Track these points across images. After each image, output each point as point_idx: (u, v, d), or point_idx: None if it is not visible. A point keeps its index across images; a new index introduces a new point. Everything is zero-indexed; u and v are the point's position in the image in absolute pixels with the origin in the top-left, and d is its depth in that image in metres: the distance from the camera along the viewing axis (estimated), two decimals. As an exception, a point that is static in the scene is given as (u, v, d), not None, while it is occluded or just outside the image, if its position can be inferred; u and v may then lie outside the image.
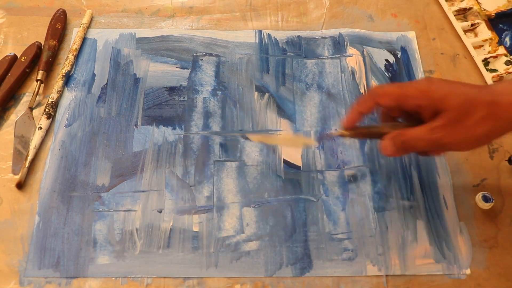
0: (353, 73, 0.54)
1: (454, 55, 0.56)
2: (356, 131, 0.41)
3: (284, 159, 0.48)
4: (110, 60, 0.53)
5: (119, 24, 0.57)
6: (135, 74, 0.53)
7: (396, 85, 0.40)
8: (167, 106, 0.51)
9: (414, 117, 0.38)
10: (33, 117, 0.49)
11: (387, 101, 0.38)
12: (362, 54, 0.55)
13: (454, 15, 0.58)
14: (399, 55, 0.56)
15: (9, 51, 0.53)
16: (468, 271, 0.43)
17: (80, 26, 0.55)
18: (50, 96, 0.50)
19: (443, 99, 0.36)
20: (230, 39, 0.56)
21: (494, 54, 0.55)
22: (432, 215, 0.46)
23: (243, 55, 0.55)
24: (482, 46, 0.57)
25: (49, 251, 0.42)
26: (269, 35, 0.56)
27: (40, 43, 0.53)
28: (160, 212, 0.45)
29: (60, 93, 0.51)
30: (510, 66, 0.54)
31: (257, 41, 0.56)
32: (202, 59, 0.54)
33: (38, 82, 0.50)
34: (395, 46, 0.56)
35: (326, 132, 0.49)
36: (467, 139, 0.36)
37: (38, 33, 0.55)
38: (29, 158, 0.46)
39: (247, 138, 0.49)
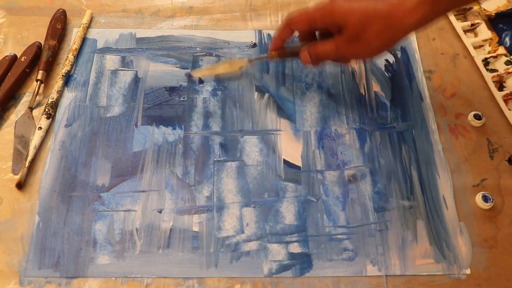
0: (353, 73, 0.54)
1: (454, 55, 0.56)
2: (281, 51, 0.48)
3: (284, 159, 0.48)
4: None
5: (119, 24, 0.57)
6: (135, 74, 0.53)
7: (306, 10, 0.44)
8: (167, 106, 0.51)
9: (328, 35, 0.44)
10: (33, 117, 0.49)
11: (300, 26, 0.45)
12: (362, 54, 0.55)
13: (454, 15, 0.58)
14: (399, 55, 0.56)
15: (9, 51, 0.53)
16: (468, 271, 0.43)
17: (80, 26, 0.55)
18: (50, 96, 0.50)
19: (344, 17, 0.41)
20: (230, 39, 0.56)
21: (494, 54, 0.55)
22: (432, 215, 0.46)
23: (243, 55, 0.55)
24: (482, 46, 0.57)
25: (49, 251, 0.42)
26: (269, 35, 0.56)
27: (40, 43, 0.53)
28: (160, 212, 0.45)
29: (60, 93, 0.51)
30: (510, 66, 0.54)
31: (257, 41, 0.56)
32: (202, 59, 0.54)
33: (38, 82, 0.50)
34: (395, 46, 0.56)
35: (257, 56, 0.53)
36: (366, 51, 0.43)
37: (38, 33, 0.55)
38: (29, 158, 0.46)
39: (190, 76, 0.52)
